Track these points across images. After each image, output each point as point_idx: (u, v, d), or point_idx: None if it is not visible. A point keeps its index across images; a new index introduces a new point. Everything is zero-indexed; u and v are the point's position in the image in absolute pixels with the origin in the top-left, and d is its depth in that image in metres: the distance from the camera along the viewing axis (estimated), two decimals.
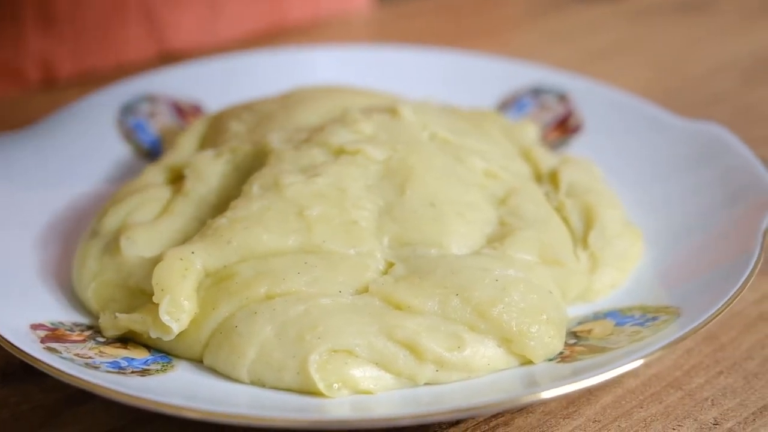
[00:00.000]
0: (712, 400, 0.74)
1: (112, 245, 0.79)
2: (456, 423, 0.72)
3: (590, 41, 1.29)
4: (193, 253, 0.75)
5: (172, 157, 0.89)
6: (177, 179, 0.86)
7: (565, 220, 0.84)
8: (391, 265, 0.76)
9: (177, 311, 0.72)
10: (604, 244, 0.82)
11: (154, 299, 0.73)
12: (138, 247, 0.78)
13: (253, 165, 0.84)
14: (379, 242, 0.77)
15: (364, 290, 0.74)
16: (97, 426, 0.72)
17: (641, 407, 0.74)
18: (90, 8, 1.16)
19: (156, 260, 0.75)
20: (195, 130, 0.93)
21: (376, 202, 0.79)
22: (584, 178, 0.87)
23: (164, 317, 0.72)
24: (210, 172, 0.84)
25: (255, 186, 0.80)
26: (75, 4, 1.16)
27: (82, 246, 0.81)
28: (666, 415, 0.73)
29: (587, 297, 0.80)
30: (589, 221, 0.83)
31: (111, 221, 0.82)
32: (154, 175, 0.86)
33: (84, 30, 1.17)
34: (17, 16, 1.13)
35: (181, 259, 0.74)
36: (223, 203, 0.81)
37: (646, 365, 0.77)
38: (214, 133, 0.91)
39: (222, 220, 0.77)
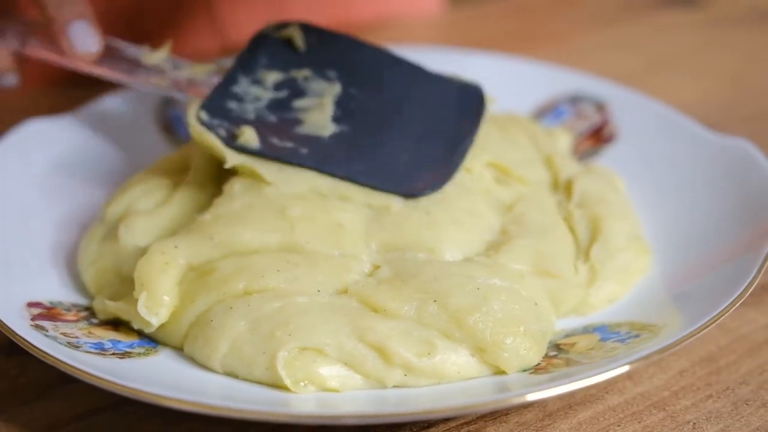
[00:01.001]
0: (694, 423, 0.72)
1: (113, 232, 0.81)
2: (426, 428, 0.72)
3: (658, 48, 1.27)
4: (176, 247, 0.76)
5: (185, 149, 0.91)
6: (186, 170, 0.88)
7: (572, 231, 0.83)
8: (377, 267, 0.76)
9: (155, 306, 0.74)
10: (605, 257, 0.80)
11: (135, 294, 0.75)
12: (135, 235, 0.80)
13: None
14: (366, 246, 0.77)
15: (345, 291, 0.74)
16: (86, 403, 0.75)
17: (618, 425, 0.72)
18: (155, 3, 1.20)
19: (147, 250, 0.77)
20: None
21: (360, 206, 0.79)
22: (599, 189, 0.86)
23: (142, 311, 0.74)
24: (213, 163, 0.86)
25: (237, 184, 0.81)
26: None
27: (89, 231, 0.84)
28: None
29: (582, 310, 0.79)
30: (594, 233, 0.82)
31: (116, 208, 0.84)
32: (166, 165, 0.89)
33: (148, 24, 1.20)
34: None
35: (163, 253, 0.76)
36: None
37: (633, 383, 0.75)
38: None
39: (206, 216, 0.79)
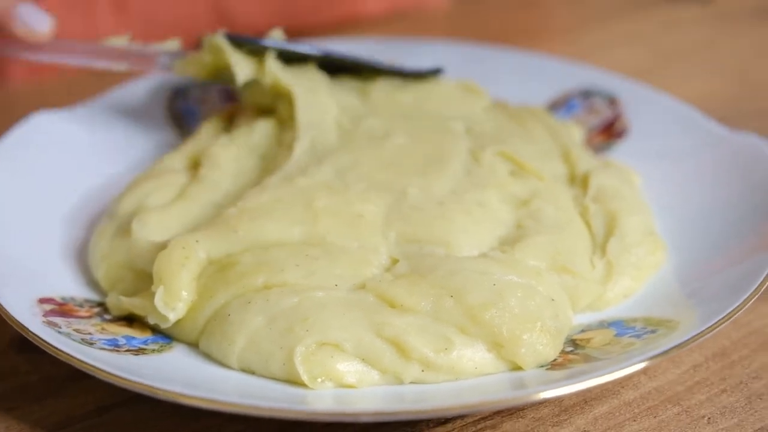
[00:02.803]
0: (709, 418, 0.72)
1: (125, 228, 0.81)
2: (443, 423, 0.72)
3: (665, 44, 1.26)
4: (197, 241, 0.76)
5: (193, 144, 0.91)
6: (195, 165, 0.87)
7: (588, 226, 0.82)
8: (395, 261, 0.76)
9: (173, 301, 0.74)
10: (621, 252, 0.80)
11: (153, 288, 0.74)
12: (148, 231, 0.80)
13: (268, 149, 0.85)
14: (385, 238, 0.77)
15: (362, 286, 0.74)
16: (97, 400, 0.75)
17: (634, 420, 0.72)
18: None
19: (163, 246, 0.77)
20: (221, 117, 0.94)
21: (382, 196, 0.79)
22: (615, 184, 0.86)
23: (159, 305, 0.74)
24: (225, 157, 0.86)
25: (274, 177, 0.81)
26: None
27: (99, 226, 0.84)
28: (658, 431, 0.71)
29: (597, 305, 0.79)
30: (610, 228, 0.82)
31: (127, 204, 0.84)
32: (173, 161, 0.88)
33: (154, 16, 1.20)
34: (91, 2, 1.17)
35: (183, 248, 0.75)
36: (238, 189, 0.83)
37: (647, 377, 0.75)
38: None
39: (232, 210, 0.79)
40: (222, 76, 0.90)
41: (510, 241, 0.78)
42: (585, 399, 0.74)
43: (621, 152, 0.95)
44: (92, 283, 0.82)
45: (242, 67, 0.89)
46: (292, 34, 1.20)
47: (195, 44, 0.93)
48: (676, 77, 1.16)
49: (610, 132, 0.97)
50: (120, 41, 0.91)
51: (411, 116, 0.90)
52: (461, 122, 0.90)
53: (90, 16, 1.17)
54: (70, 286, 0.80)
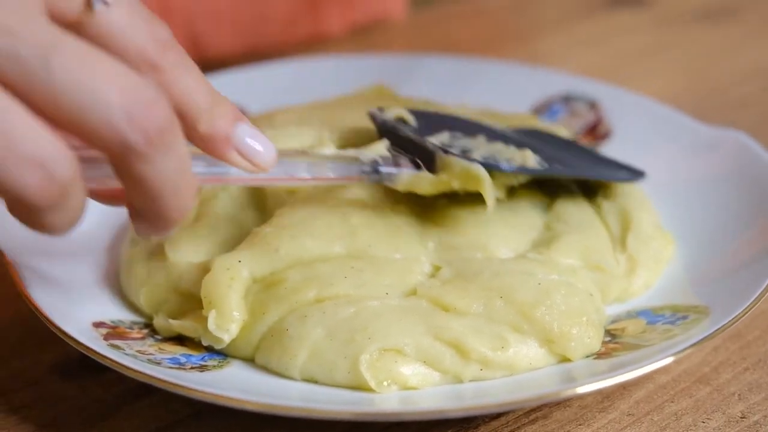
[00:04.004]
0: (739, 394, 0.78)
1: (157, 251, 0.82)
2: (498, 416, 0.76)
3: (619, 47, 1.32)
4: (240, 261, 0.78)
5: None
6: None
7: (604, 223, 0.87)
8: (438, 268, 0.80)
9: (225, 322, 0.76)
10: (639, 246, 0.85)
11: (204, 312, 0.77)
12: (182, 252, 0.82)
13: None
14: (424, 247, 0.81)
15: (412, 293, 0.78)
16: (155, 420, 0.76)
17: (672, 401, 0.78)
18: None
19: (203, 266, 0.79)
20: None
21: (414, 208, 0.83)
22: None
23: (212, 328, 0.76)
24: None
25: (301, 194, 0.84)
26: None
27: (126, 254, 0.85)
28: (696, 409, 0.77)
29: (623, 298, 0.84)
30: (625, 224, 0.87)
31: None
32: None
33: None
34: None
35: (228, 269, 0.77)
36: (251, 200, 0.85)
37: (676, 362, 0.81)
38: None
39: (267, 229, 0.81)
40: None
41: (543, 243, 0.82)
42: (623, 385, 0.79)
43: (608, 153, 1.00)
44: (130, 306, 0.83)
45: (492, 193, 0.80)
46: (261, 56, 1.24)
47: None
48: (635, 80, 1.22)
49: (594, 134, 1.03)
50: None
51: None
52: None
53: None
54: (111, 310, 0.82)
